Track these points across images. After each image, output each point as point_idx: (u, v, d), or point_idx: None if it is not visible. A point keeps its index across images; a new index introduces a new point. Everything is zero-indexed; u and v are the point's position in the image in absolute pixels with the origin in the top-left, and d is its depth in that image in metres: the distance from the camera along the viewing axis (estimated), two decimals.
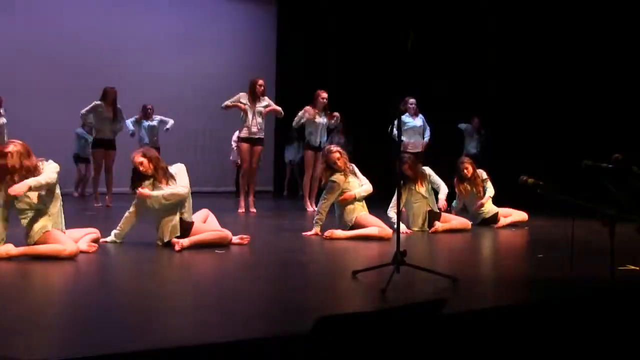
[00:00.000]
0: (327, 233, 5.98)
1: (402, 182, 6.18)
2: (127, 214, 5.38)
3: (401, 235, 4.22)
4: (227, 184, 12.46)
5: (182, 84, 12.62)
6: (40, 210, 4.64)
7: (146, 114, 10.31)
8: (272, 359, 2.67)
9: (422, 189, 6.70)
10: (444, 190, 6.85)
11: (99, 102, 9.14)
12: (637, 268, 4.41)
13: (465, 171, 7.20)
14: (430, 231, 6.57)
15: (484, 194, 7.19)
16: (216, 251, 5.12)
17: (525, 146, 10.22)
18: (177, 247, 5.06)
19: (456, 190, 7.28)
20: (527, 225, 7.22)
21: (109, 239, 5.31)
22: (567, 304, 3.52)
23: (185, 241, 5.14)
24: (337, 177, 6.13)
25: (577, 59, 10.04)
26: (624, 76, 9.61)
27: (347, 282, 3.97)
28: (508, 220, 7.19)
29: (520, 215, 7.30)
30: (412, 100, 9.14)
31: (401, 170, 6.40)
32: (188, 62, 12.82)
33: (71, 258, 4.51)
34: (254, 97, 8.41)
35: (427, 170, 6.89)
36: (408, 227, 6.62)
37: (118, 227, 5.35)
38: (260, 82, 8.52)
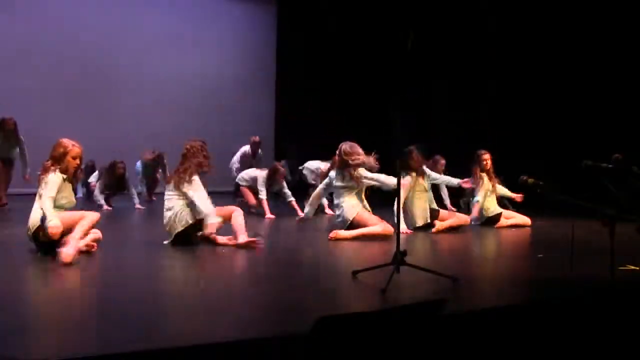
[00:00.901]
0: (331, 234, 5.99)
1: (404, 174, 6.47)
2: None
3: (401, 235, 4.21)
4: (227, 184, 12.46)
5: (182, 84, 12.62)
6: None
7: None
8: (272, 359, 2.67)
9: (423, 181, 6.82)
10: (451, 180, 7.16)
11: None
12: (637, 268, 4.41)
13: (484, 163, 7.39)
14: (432, 231, 6.59)
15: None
16: (223, 250, 5.13)
17: (525, 146, 10.22)
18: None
19: (473, 179, 7.42)
20: (527, 226, 7.24)
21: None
22: (567, 304, 3.52)
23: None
24: (363, 169, 6.29)
25: (577, 59, 10.03)
26: (623, 76, 9.60)
27: (347, 282, 3.97)
28: (509, 222, 7.23)
29: (523, 219, 7.32)
30: (443, 162, 8.92)
31: (404, 167, 6.52)
32: (188, 62, 12.82)
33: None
34: (272, 182, 8.50)
35: (426, 170, 6.98)
36: (409, 226, 6.64)
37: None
38: (283, 170, 8.62)
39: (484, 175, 7.36)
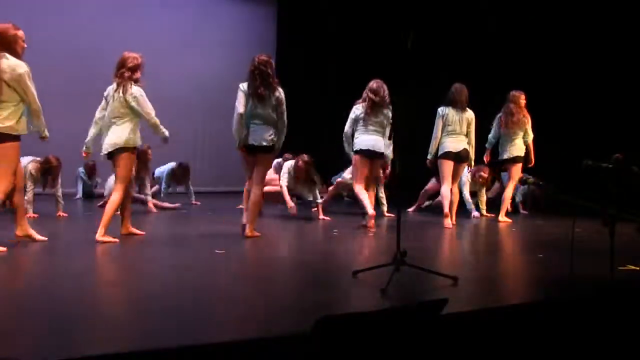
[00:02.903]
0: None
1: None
2: None
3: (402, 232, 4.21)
4: (226, 184, 12.46)
5: (182, 84, 12.61)
6: None
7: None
8: (272, 359, 2.66)
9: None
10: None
11: None
12: (637, 268, 4.41)
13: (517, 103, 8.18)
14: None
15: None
16: (216, 251, 5.12)
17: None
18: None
19: (502, 123, 8.14)
20: (524, 218, 7.27)
21: None
22: (567, 304, 3.52)
23: None
24: None
25: (577, 59, 10.03)
26: (624, 76, 9.61)
27: (347, 282, 3.97)
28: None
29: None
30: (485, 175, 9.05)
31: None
32: (188, 62, 12.81)
33: None
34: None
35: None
36: None
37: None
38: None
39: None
